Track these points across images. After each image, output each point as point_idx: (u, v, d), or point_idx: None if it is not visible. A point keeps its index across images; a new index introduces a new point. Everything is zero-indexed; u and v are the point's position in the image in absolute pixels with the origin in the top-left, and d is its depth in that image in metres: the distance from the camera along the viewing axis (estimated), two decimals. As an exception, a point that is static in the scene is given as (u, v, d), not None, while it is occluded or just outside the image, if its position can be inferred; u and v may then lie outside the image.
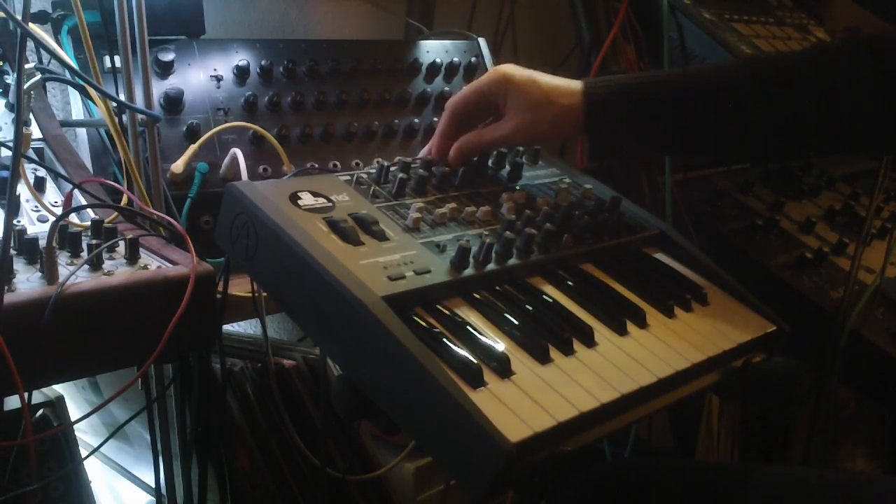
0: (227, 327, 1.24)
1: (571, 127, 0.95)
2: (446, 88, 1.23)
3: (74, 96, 1.05)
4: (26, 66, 0.79)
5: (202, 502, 0.99)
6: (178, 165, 0.97)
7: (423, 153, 1.01)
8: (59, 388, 1.01)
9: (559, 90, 0.95)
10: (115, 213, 0.85)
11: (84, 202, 0.86)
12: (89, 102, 0.93)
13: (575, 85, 0.95)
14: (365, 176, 0.88)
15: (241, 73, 1.07)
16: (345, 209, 0.80)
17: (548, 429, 0.64)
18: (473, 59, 1.28)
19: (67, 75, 0.89)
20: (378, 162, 0.89)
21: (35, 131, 0.92)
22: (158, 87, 1.01)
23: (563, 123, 0.95)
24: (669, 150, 1.09)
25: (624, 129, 0.96)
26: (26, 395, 0.66)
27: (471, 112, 0.98)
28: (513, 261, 0.82)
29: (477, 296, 0.78)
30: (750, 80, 0.95)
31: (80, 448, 1.01)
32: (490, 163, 0.98)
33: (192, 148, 0.98)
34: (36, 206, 0.86)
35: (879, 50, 0.90)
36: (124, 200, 0.88)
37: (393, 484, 1.29)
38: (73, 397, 1.14)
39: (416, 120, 1.19)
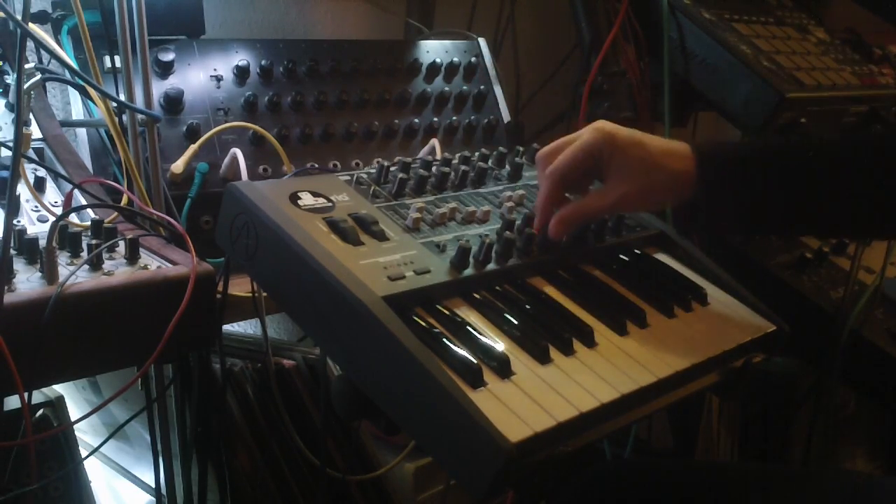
0: (227, 327, 1.24)
1: (681, 194, 0.86)
2: (446, 88, 1.23)
3: (74, 96, 1.05)
4: (26, 66, 0.79)
5: (202, 502, 0.99)
6: (178, 165, 0.97)
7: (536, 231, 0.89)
8: (59, 388, 1.01)
9: (668, 153, 0.86)
10: (115, 213, 0.85)
11: (84, 202, 0.86)
12: (89, 102, 0.93)
13: (683, 148, 0.87)
14: (365, 176, 0.88)
15: (241, 73, 1.07)
16: (345, 209, 0.80)
17: (548, 429, 0.64)
18: (473, 59, 1.28)
19: (67, 75, 0.89)
20: (378, 162, 0.89)
21: (35, 131, 0.92)
22: (158, 87, 1.01)
23: (673, 190, 0.86)
24: (780, 224, 0.94)
25: (740, 198, 0.87)
26: (26, 395, 0.66)
27: (578, 175, 0.88)
28: (513, 261, 0.82)
29: (477, 296, 0.78)
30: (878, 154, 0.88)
31: (80, 448, 1.00)
32: (490, 163, 0.98)
33: (192, 148, 0.98)
34: (36, 206, 0.86)
35: None
36: (124, 200, 0.88)
37: (393, 484, 1.29)
38: (73, 397, 1.14)
39: (416, 120, 1.19)
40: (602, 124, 0.87)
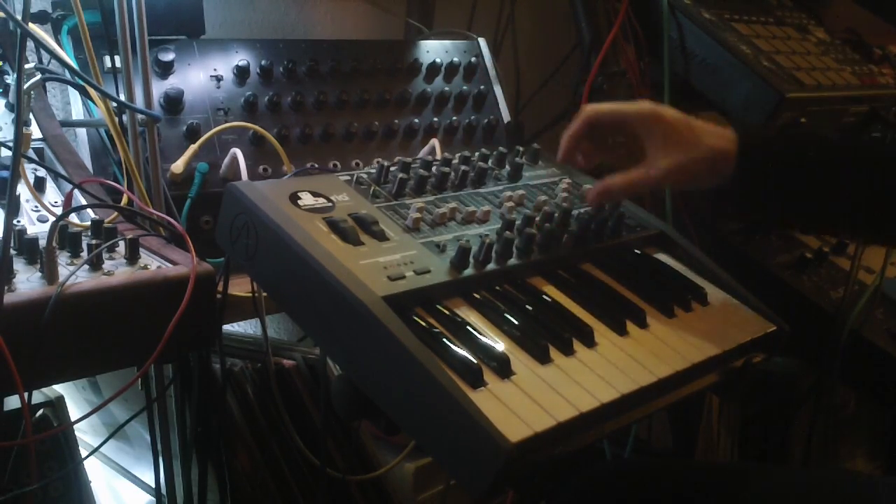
0: (227, 327, 1.24)
1: (721, 173, 0.88)
2: (446, 88, 1.23)
3: (74, 96, 1.05)
4: (26, 66, 0.79)
5: (202, 502, 0.99)
6: (178, 165, 0.97)
7: (559, 160, 0.96)
8: (59, 388, 1.01)
9: (713, 132, 0.88)
10: (115, 213, 0.85)
11: (84, 202, 0.86)
12: (89, 102, 0.93)
13: (726, 130, 0.89)
14: (365, 176, 0.88)
15: (241, 73, 1.07)
16: (345, 209, 0.80)
17: (548, 429, 0.64)
18: (473, 59, 1.28)
19: (67, 75, 0.89)
20: (378, 162, 0.89)
21: (35, 131, 0.92)
22: (158, 87, 1.01)
23: (715, 168, 0.87)
24: (810, 217, 0.94)
25: (775, 183, 0.88)
26: (26, 395, 0.66)
27: (605, 128, 0.92)
28: (513, 261, 0.82)
29: (477, 296, 0.78)
30: None
31: (80, 448, 1.01)
32: (490, 163, 0.98)
33: (192, 148, 0.98)
34: (36, 206, 0.86)
35: None
36: (124, 200, 0.88)
37: (393, 484, 1.29)
38: (73, 397, 1.14)
39: (416, 120, 1.19)
40: (650, 103, 0.90)
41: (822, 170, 0.89)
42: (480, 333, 0.72)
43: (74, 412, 1.06)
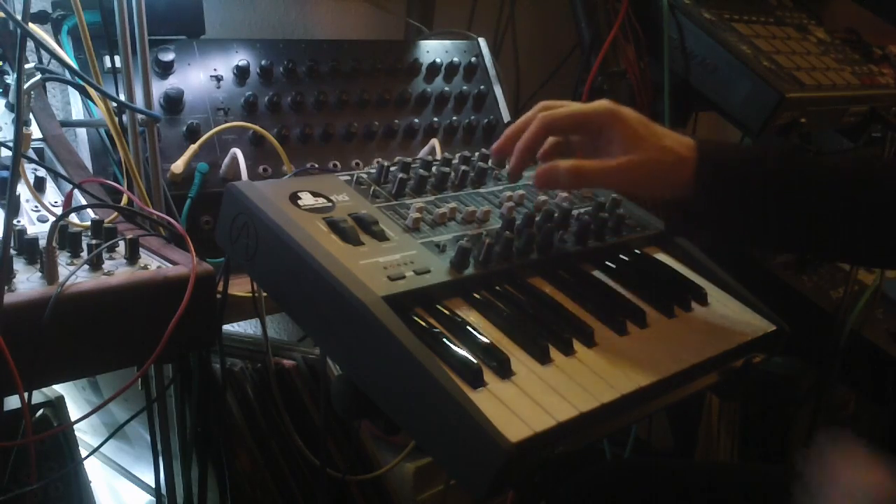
0: (227, 327, 1.24)
1: (678, 181, 0.82)
2: (446, 88, 1.23)
3: (74, 96, 1.05)
4: (26, 66, 0.79)
5: (202, 502, 0.99)
6: (178, 165, 0.97)
7: (493, 150, 0.89)
8: (59, 388, 1.01)
9: (673, 137, 0.83)
10: (115, 213, 0.85)
11: (84, 202, 0.86)
12: (89, 102, 0.93)
13: (687, 139, 0.84)
14: (365, 176, 0.88)
15: (241, 73, 1.07)
16: (345, 209, 0.80)
17: (548, 429, 0.64)
18: (473, 59, 1.28)
19: (67, 75, 0.89)
20: (378, 162, 0.89)
21: (35, 131, 0.92)
22: (158, 87, 1.01)
23: (674, 173, 0.82)
24: (764, 236, 0.89)
25: (735, 196, 0.83)
26: (26, 395, 0.66)
27: (560, 132, 0.87)
28: (513, 261, 0.82)
29: (477, 296, 0.78)
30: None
31: (80, 448, 1.01)
32: (490, 163, 0.98)
33: (192, 148, 0.98)
34: (36, 206, 0.86)
35: None
36: (124, 200, 0.88)
37: (393, 484, 1.29)
38: (73, 397, 1.14)
39: (416, 120, 1.19)
40: (608, 101, 0.84)
41: (779, 183, 0.83)
42: (480, 333, 0.72)
43: (74, 412, 1.06)
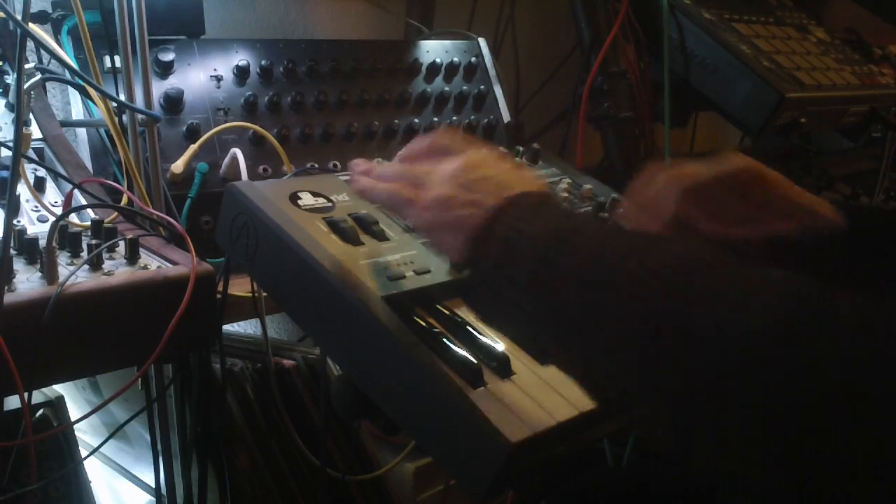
0: (227, 327, 1.24)
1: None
2: (446, 88, 1.23)
3: (74, 96, 1.05)
4: (26, 66, 0.79)
5: (202, 502, 0.99)
6: (178, 165, 0.97)
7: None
8: (59, 388, 1.01)
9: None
10: (115, 213, 0.85)
11: (84, 202, 0.86)
12: (89, 102, 0.93)
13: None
14: (365, 176, 0.88)
15: (241, 73, 1.07)
16: (345, 209, 0.80)
17: (548, 429, 0.64)
18: (473, 59, 1.28)
19: (67, 75, 0.89)
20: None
21: (35, 131, 0.92)
22: (158, 87, 1.01)
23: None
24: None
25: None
26: (26, 395, 0.66)
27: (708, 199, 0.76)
28: (513, 261, 0.82)
29: (477, 296, 0.78)
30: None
31: (80, 448, 1.01)
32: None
33: (192, 148, 0.98)
34: (36, 206, 0.86)
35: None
36: (124, 200, 0.88)
37: (393, 484, 1.29)
38: (73, 397, 1.14)
39: (416, 120, 1.19)
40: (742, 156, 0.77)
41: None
42: (480, 333, 0.72)
43: (74, 412, 1.06)
